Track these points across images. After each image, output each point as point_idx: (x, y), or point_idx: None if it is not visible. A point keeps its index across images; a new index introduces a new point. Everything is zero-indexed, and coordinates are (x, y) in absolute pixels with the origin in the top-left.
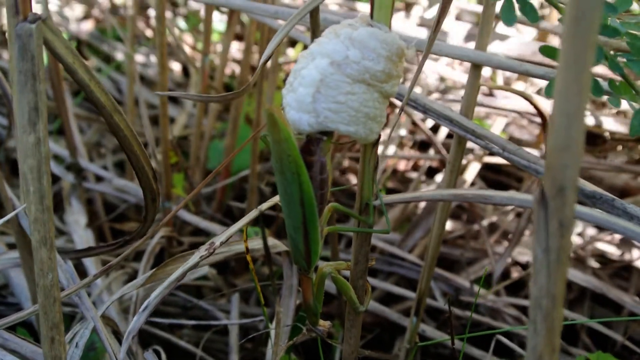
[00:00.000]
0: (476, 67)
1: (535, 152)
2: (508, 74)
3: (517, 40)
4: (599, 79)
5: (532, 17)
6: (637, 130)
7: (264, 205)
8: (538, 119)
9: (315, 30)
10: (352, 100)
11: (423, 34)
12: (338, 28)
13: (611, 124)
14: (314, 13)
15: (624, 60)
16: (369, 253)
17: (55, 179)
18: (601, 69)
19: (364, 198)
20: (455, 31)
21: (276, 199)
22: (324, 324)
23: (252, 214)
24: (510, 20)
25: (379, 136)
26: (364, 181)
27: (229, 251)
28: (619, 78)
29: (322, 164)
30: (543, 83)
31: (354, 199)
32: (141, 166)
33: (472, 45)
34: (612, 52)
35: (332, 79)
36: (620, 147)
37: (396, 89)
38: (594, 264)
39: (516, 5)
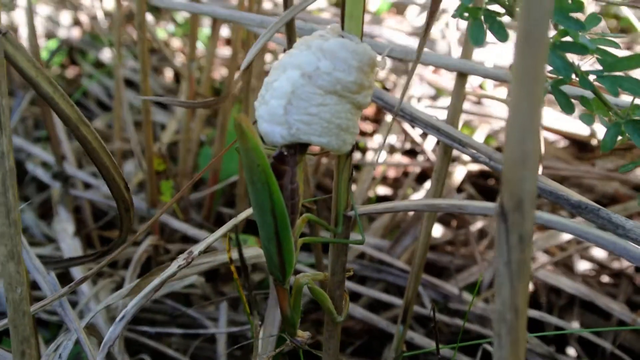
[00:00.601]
0: (462, 76)
1: None
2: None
3: (506, 48)
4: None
5: (501, 36)
6: (609, 146)
7: (242, 215)
8: None
9: (292, 39)
10: (324, 112)
11: (414, 42)
12: (309, 39)
13: (602, 133)
14: (290, 23)
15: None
16: (346, 263)
17: (44, 186)
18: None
19: (339, 209)
20: (447, 39)
21: None
22: (303, 335)
23: (230, 223)
24: (478, 40)
25: (353, 147)
26: (338, 192)
27: (215, 260)
28: (591, 95)
29: (292, 174)
30: None
31: None
32: (111, 177)
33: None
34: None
35: (303, 90)
36: (611, 155)
37: (369, 100)
38: (583, 271)
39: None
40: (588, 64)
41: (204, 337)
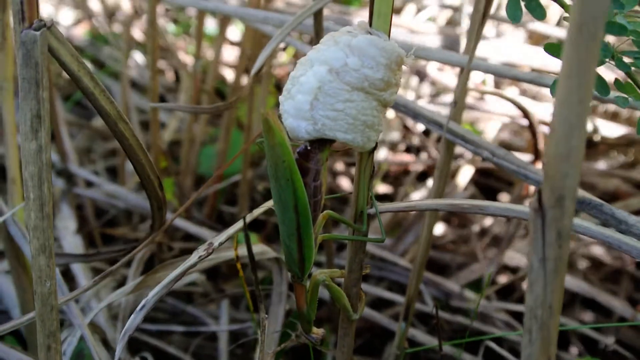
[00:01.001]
0: (464, 72)
1: (526, 157)
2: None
3: (508, 43)
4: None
5: (538, 13)
6: None
7: (256, 211)
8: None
9: (319, 34)
10: (350, 108)
11: (415, 39)
12: (337, 35)
13: (604, 128)
14: (318, 16)
15: (631, 59)
16: (364, 261)
17: None
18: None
19: (359, 206)
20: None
21: (269, 203)
22: (318, 332)
23: (250, 216)
24: (516, 17)
25: (376, 144)
26: (359, 189)
27: (218, 257)
28: (624, 77)
29: (316, 171)
30: (534, 87)
31: (346, 205)
32: (147, 175)
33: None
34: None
35: (330, 86)
36: (613, 151)
37: (394, 98)
38: (584, 268)
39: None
40: (624, 45)
41: (205, 334)
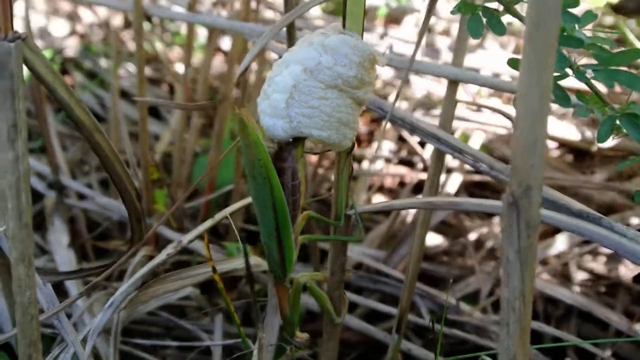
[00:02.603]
0: (453, 83)
1: None
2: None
3: (499, 54)
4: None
5: (498, 29)
6: (604, 138)
7: (236, 205)
8: None
9: (292, 43)
10: (325, 105)
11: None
12: (311, 37)
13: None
14: (290, 28)
15: (591, 71)
16: (345, 264)
17: (39, 196)
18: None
19: (339, 207)
20: (443, 45)
21: (246, 201)
22: (302, 336)
23: (220, 214)
24: (477, 32)
25: (353, 145)
26: (338, 190)
27: (211, 271)
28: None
29: (293, 170)
30: None
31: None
32: (124, 187)
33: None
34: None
35: (305, 84)
36: (609, 163)
37: (369, 96)
38: (580, 281)
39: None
40: (583, 60)
41: (200, 349)
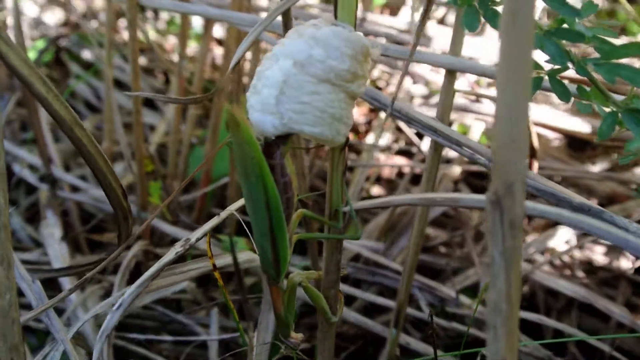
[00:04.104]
0: (450, 73)
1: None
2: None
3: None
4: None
5: (494, 22)
6: (605, 134)
7: (233, 207)
8: None
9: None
10: (317, 101)
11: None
12: (301, 29)
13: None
14: (286, 17)
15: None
16: (341, 261)
17: (31, 189)
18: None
19: (334, 204)
20: (440, 35)
21: (242, 201)
22: (297, 336)
23: (224, 214)
24: (472, 26)
25: (347, 140)
26: (332, 187)
27: (207, 266)
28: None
29: (281, 166)
30: None
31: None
32: (108, 183)
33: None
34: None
35: (295, 79)
36: (611, 154)
37: (363, 89)
38: (581, 272)
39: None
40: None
41: (195, 343)
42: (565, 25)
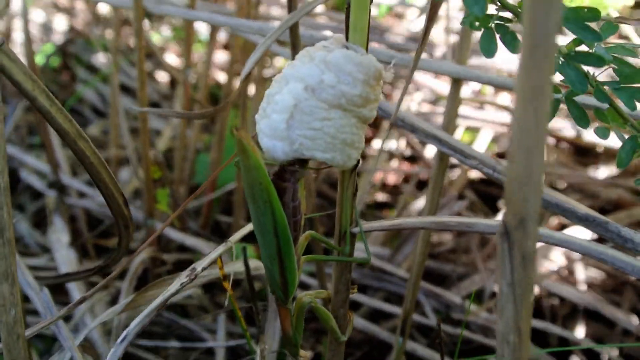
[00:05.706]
0: (456, 82)
1: None
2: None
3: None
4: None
5: (512, 47)
6: (625, 163)
7: (243, 231)
8: None
9: (296, 45)
10: (328, 127)
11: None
12: (312, 50)
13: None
14: (294, 28)
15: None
16: (350, 281)
17: (38, 195)
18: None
19: (343, 226)
20: (443, 42)
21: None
22: (305, 355)
23: (234, 238)
24: (490, 51)
25: (358, 162)
26: (342, 209)
27: (214, 273)
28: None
29: (294, 190)
30: None
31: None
32: (110, 193)
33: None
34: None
35: (306, 104)
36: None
37: (374, 113)
38: (587, 279)
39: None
40: (604, 74)
41: (202, 350)
42: (584, 47)
